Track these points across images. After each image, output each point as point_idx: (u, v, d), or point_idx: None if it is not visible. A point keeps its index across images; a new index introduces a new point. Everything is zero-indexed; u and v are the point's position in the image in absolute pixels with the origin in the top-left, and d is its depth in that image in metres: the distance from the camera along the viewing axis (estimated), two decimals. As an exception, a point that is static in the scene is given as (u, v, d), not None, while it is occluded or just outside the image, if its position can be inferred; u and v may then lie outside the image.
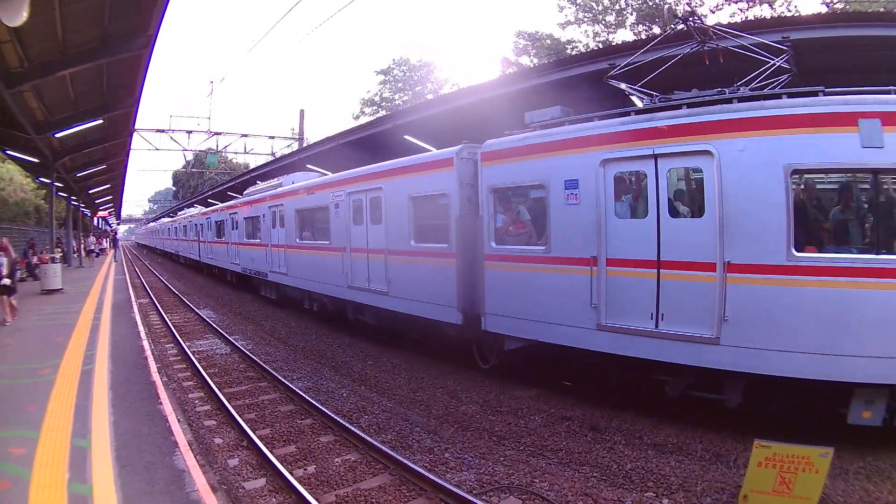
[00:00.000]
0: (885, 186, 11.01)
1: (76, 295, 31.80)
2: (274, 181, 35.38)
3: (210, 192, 79.93)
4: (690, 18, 15.08)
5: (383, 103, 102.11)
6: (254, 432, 13.12)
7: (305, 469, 11.65)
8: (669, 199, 12.90)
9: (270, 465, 11.39)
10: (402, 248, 19.88)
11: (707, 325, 11.98)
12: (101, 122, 30.90)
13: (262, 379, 18.53)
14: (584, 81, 21.16)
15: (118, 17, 19.59)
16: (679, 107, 13.09)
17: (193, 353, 21.38)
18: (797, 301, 11.05)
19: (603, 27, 70.84)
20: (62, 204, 56.87)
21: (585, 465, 11.79)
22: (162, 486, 9.04)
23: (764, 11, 58.52)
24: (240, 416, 14.24)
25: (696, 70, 15.76)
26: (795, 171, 11.23)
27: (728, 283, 11.69)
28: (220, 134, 55.00)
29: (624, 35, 68.26)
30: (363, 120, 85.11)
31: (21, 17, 14.66)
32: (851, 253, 10.97)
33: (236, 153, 63.73)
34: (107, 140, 37.27)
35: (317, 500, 9.99)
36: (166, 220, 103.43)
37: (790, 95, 11.75)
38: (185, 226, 66.86)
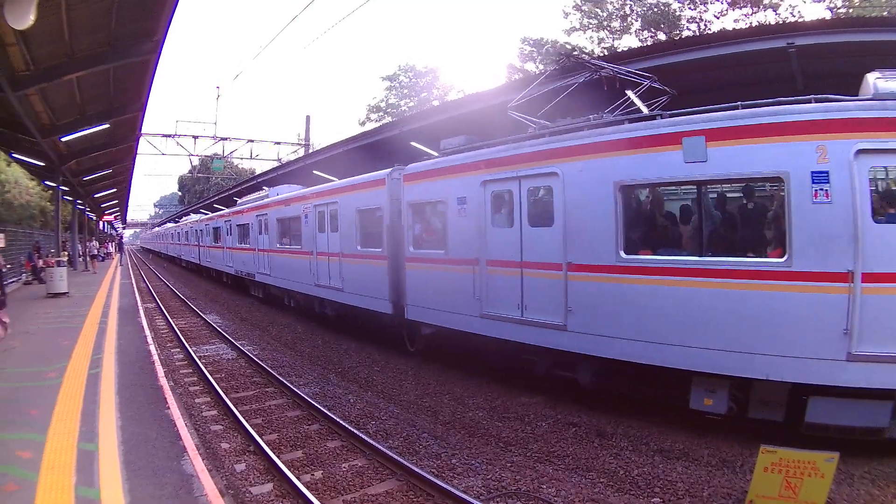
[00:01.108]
0: (706, 196, 13.16)
1: (82, 299, 31.79)
2: (262, 192, 40.36)
3: (215, 198, 79.97)
4: (575, 53, 18.67)
5: (389, 109, 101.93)
6: (261, 437, 13.13)
7: (313, 474, 11.64)
8: (529, 212, 15.97)
9: (277, 470, 11.39)
10: (352, 252, 24.33)
11: (558, 315, 14.86)
12: (107, 126, 30.94)
13: (268, 384, 18.54)
14: (588, 87, 21.24)
15: (125, 21, 19.62)
16: (542, 136, 16.05)
17: (200, 357, 21.44)
18: (627, 295, 13.52)
19: (608, 33, 70.81)
20: (68, 208, 56.87)
21: (592, 470, 11.80)
22: (170, 491, 9.01)
23: (768, 17, 58.52)
24: (246, 421, 14.24)
25: (595, 95, 17.19)
26: (623, 187, 13.59)
27: (570, 280, 14.60)
28: (226, 139, 55.18)
29: (629, 41, 68.33)
30: (369, 126, 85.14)
31: (28, 19, 14.70)
32: (678, 255, 13.00)
33: (242, 158, 63.85)
34: (113, 144, 37.31)
35: (324, 505, 10.00)
36: (170, 225, 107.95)
37: (631, 121, 14.12)
38: (186, 231, 71.83)
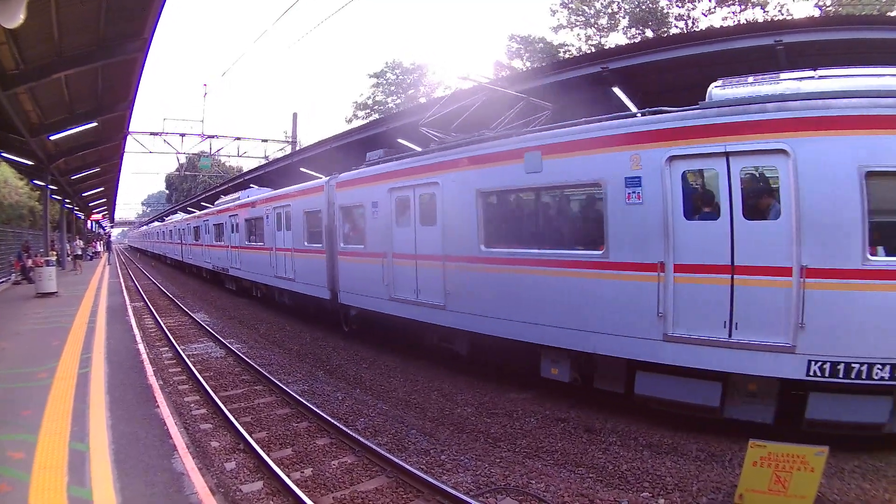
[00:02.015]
0: (543, 199, 16.34)
1: (71, 298, 31.79)
2: (235, 195, 44.30)
3: (202, 196, 79.87)
4: (469, 76, 21.04)
5: (376, 106, 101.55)
6: (250, 435, 13.14)
7: (302, 472, 11.68)
8: (420, 214, 19.35)
9: (267, 468, 11.42)
10: (300, 248, 28.50)
11: (439, 297, 18.28)
12: (95, 124, 30.94)
13: (257, 382, 18.55)
14: (580, 83, 21.27)
15: (114, 20, 19.62)
16: (430, 152, 19.51)
17: (189, 356, 21.42)
18: (488, 281, 16.69)
19: (595, 31, 70.80)
20: (56, 207, 56.72)
21: (581, 466, 11.85)
22: (161, 489, 9.06)
23: (756, 15, 58.61)
24: (236, 419, 14.26)
25: (500, 109, 19.82)
26: (482, 193, 16.96)
27: (447, 269, 18.04)
28: (213, 137, 54.89)
29: (616, 38, 68.34)
30: (356, 123, 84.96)
31: (18, 19, 14.69)
32: (524, 248, 15.84)
33: (229, 156, 63.62)
34: (101, 143, 37.25)
35: (314, 502, 10.01)
36: (156, 224, 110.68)
37: (494, 138, 17.13)
38: (170, 230, 76.41)
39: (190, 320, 31.51)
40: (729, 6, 59.83)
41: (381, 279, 21.06)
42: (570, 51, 72.14)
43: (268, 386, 17.97)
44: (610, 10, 68.36)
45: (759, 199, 12.13)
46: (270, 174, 50.06)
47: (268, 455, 12.01)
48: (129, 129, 38.24)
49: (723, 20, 59.46)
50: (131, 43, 21.23)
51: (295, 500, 10.14)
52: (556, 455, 12.43)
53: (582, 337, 14.14)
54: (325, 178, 26.59)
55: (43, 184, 41.62)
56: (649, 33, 62.47)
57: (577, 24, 71.61)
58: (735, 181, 12.01)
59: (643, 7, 64.12)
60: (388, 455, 11.86)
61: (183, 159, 70.06)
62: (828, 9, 54.43)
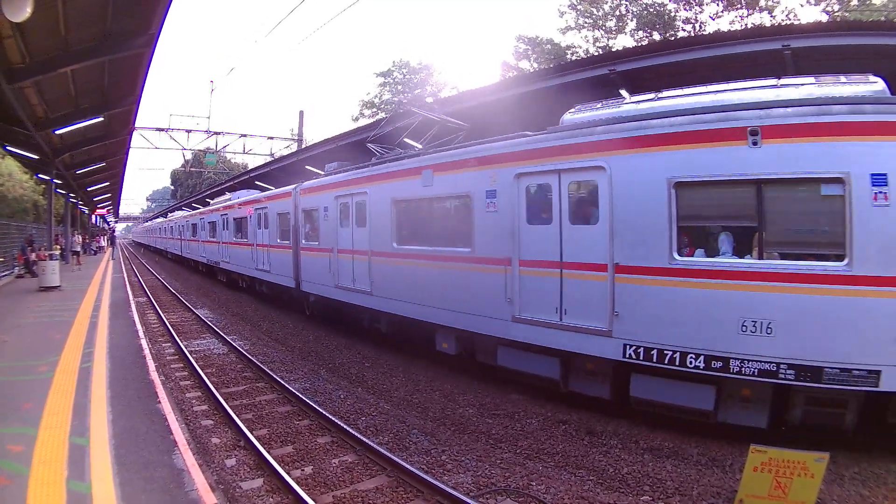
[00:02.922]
0: (435, 207, 19.63)
1: (74, 293, 31.85)
2: (227, 196, 49.77)
3: (207, 192, 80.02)
4: (406, 103, 25.66)
5: (383, 105, 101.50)
6: (251, 432, 13.17)
7: (303, 470, 11.69)
8: (356, 217, 23.66)
9: (268, 466, 11.44)
10: (274, 244, 33.21)
11: (368, 285, 22.49)
12: (101, 119, 30.90)
13: (259, 379, 18.59)
14: (585, 86, 21.26)
15: (121, 14, 19.56)
16: (363, 167, 23.97)
17: (191, 352, 21.47)
18: (399, 271, 20.81)
19: (603, 33, 70.65)
20: (61, 201, 56.75)
21: (582, 468, 11.87)
22: (161, 485, 9.05)
23: (763, 19, 58.51)
24: (237, 416, 14.29)
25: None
26: (395, 201, 20.92)
27: (372, 262, 22.27)
28: (219, 134, 54.95)
29: (624, 41, 68.19)
30: (362, 122, 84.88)
31: (25, 12, 14.70)
32: (421, 245, 19.79)
33: (235, 153, 63.66)
34: (106, 138, 37.24)
35: (314, 500, 10.01)
36: (159, 220, 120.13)
37: (406, 157, 21.52)
38: (171, 227, 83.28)
39: (193, 316, 31.62)
40: (737, 10, 59.72)
41: (329, 270, 25.87)
42: (577, 52, 72.08)
43: (270, 383, 18.00)
44: (618, 13, 68.26)
45: (583, 207, 14.54)
46: (276, 172, 50.27)
47: (268, 452, 12.01)
48: (136, 125, 38.20)
49: (730, 24, 59.36)
50: (138, 38, 21.18)
51: (295, 497, 10.13)
52: (557, 457, 12.44)
53: (462, 318, 17.75)
54: (293, 186, 31.29)
55: (48, 178, 41.64)
56: (657, 36, 62.38)
57: (585, 25, 71.55)
58: (564, 193, 14.76)
59: (651, 10, 64.03)
60: (388, 454, 11.87)
61: (189, 155, 69.84)
62: (836, 14, 54.29)
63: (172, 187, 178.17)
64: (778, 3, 58.81)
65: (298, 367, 20.30)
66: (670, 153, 12.83)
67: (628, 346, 13.29)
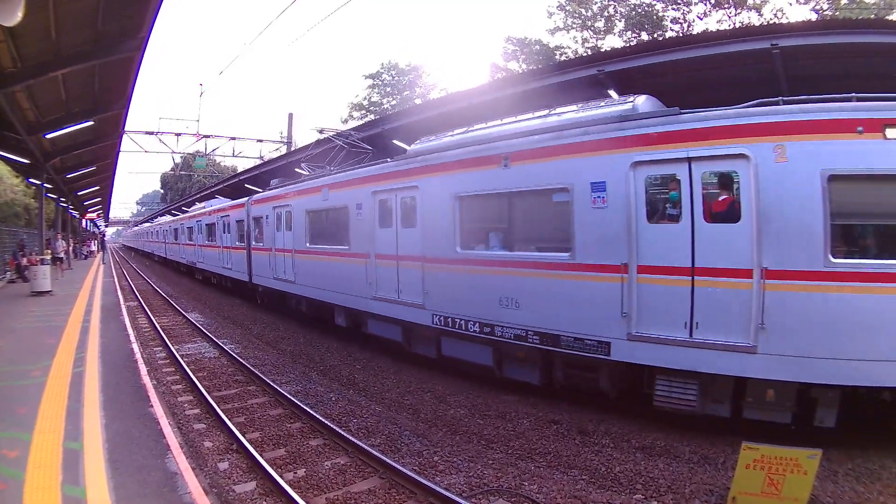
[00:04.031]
0: (330, 215, 25.66)
1: (65, 297, 31.84)
2: (202, 205, 57.62)
3: (198, 195, 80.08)
4: (323, 130, 30.88)
5: (371, 107, 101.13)
6: (243, 436, 13.19)
7: (295, 472, 11.73)
8: (286, 223, 29.73)
9: (261, 469, 11.47)
10: (234, 246, 39.53)
11: (292, 275, 28.62)
12: (91, 123, 30.78)
13: (250, 382, 18.63)
14: (574, 86, 21.28)
15: (111, 18, 19.51)
16: (288, 184, 31.00)
17: (182, 356, 21.51)
18: (310, 265, 26.94)
19: (592, 33, 70.58)
20: (51, 205, 56.61)
21: (574, 468, 11.93)
22: (154, 489, 9.08)
23: (752, 19, 58.54)
24: (229, 419, 14.32)
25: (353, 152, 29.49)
26: (307, 211, 27.03)
27: (296, 258, 28.33)
28: (208, 137, 54.72)
29: (613, 41, 68.12)
30: (351, 124, 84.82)
31: (16, 16, 14.65)
32: (328, 244, 25.28)
33: (224, 156, 63.53)
34: (97, 142, 37.08)
35: (307, 503, 10.05)
36: (146, 224, 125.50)
37: (315, 178, 27.55)
38: (156, 231, 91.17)
39: (184, 320, 31.72)
40: (725, 9, 59.73)
41: (269, 266, 31.97)
42: (566, 53, 72.00)
43: (261, 386, 18.04)
44: (606, 14, 68.24)
45: (409, 215, 19.77)
46: (266, 175, 50.31)
47: (261, 455, 12.05)
48: (125, 129, 38.16)
49: (718, 23, 59.35)
50: (128, 41, 21.12)
51: (288, 500, 10.18)
52: (549, 457, 12.49)
53: (347, 299, 23.49)
54: (246, 198, 38.08)
55: (38, 182, 41.50)
56: (645, 37, 62.38)
57: (574, 26, 71.48)
58: (398, 205, 20.33)
59: (639, 11, 64.05)
60: (381, 456, 11.91)
61: (178, 159, 69.85)
62: (825, 13, 54.32)
63: (162, 191, 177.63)
64: (766, 2, 58.84)
65: (289, 370, 20.38)
66: (456, 175, 17.78)
67: (434, 316, 18.33)
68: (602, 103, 15.48)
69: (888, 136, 10.75)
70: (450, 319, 17.68)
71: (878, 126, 10.81)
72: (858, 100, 11.35)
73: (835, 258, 11.09)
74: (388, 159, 21.43)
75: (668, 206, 13.19)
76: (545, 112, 16.69)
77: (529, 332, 15.26)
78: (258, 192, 38.09)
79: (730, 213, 12.17)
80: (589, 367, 14.50)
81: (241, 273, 37.73)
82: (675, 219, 12.79)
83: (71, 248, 60.65)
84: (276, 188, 32.35)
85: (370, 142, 29.56)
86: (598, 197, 13.84)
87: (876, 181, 11.10)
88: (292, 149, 54.56)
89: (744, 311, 11.80)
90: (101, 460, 9.91)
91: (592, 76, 20.69)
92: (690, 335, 12.33)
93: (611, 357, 13.53)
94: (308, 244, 27.15)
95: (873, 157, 10.92)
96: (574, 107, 16.10)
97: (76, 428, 11.44)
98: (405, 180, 19.66)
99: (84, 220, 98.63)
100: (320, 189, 25.68)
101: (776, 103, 12.07)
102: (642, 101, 14.43)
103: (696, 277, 12.36)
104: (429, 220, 18.60)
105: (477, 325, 16.74)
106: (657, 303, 12.91)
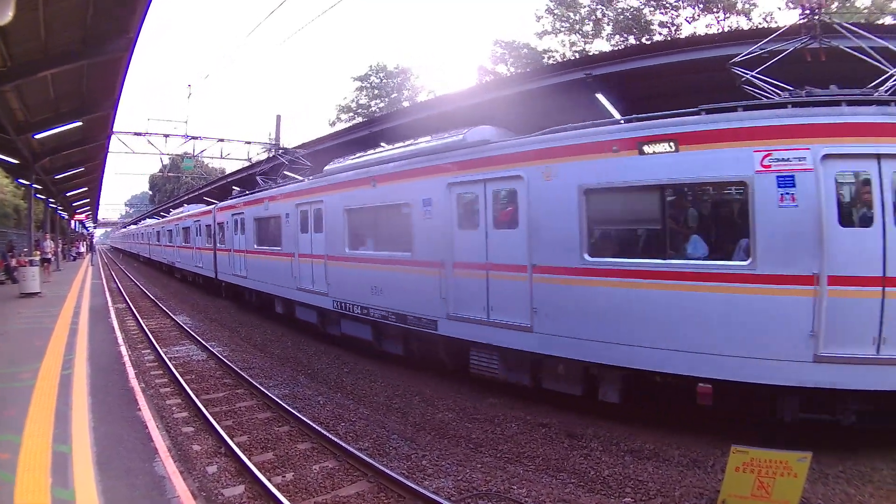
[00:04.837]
0: (270, 223, 30.52)
1: (54, 299, 31.78)
2: (181, 209, 63.16)
3: (185, 197, 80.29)
4: (272, 148, 42.97)
5: (359, 110, 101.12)
6: (231, 439, 13.19)
7: (284, 476, 11.71)
8: (239, 227, 34.70)
9: (249, 472, 11.45)
10: (203, 247, 44.73)
11: (244, 272, 33.94)
12: (80, 123, 30.74)
13: (238, 386, 18.63)
14: (562, 90, 21.31)
15: (100, 18, 19.45)
16: (242, 195, 36.58)
17: (170, 358, 21.51)
18: (252, 262, 32.69)
19: (580, 37, 70.67)
20: (40, 206, 56.51)
21: (563, 471, 11.93)
22: (143, 492, 9.10)
23: (740, 22, 58.67)
24: (217, 422, 14.31)
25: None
26: (254, 218, 32.19)
27: (246, 257, 33.54)
28: (196, 138, 54.39)
29: (601, 45, 68.11)
30: (339, 126, 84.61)
31: (7, 16, 14.61)
32: (266, 245, 30.66)
33: (213, 158, 63.48)
34: (85, 142, 37.02)
35: (296, 507, 10.05)
36: (132, 227, 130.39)
37: (259, 191, 32.97)
38: (141, 233, 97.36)
39: (171, 322, 31.68)
40: (714, 13, 59.84)
41: (229, 263, 37.16)
42: (554, 56, 72.07)
43: (249, 389, 18.02)
44: (594, 17, 68.27)
45: (318, 223, 24.63)
46: (254, 176, 50.44)
47: (249, 459, 12.04)
48: (114, 129, 38.06)
49: (707, 27, 59.45)
50: (117, 41, 21.06)
51: (276, 504, 10.06)
52: (538, 460, 12.50)
53: (281, 290, 28.72)
54: (214, 205, 44.51)
55: (28, 183, 41.41)
56: (633, 41, 62.44)
57: (562, 30, 71.56)
58: (312, 215, 25.10)
59: (627, 15, 64.12)
60: (369, 460, 11.91)
61: (166, 160, 69.68)
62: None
63: (151, 192, 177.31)
64: (755, 6, 58.96)
65: (277, 373, 20.36)
66: (345, 192, 22.61)
67: (335, 302, 23.17)
68: (445, 135, 18.85)
69: (644, 152, 12.95)
70: (344, 304, 22.51)
71: (633, 144, 13.11)
72: (627, 121, 14.18)
73: (590, 257, 13.91)
74: (311, 177, 27.50)
75: (471, 216, 16.88)
76: (409, 142, 21.27)
77: (390, 313, 19.80)
78: (225, 201, 43.29)
79: (512, 221, 15.61)
80: (429, 341, 18.66)
81: (209, 271, 43.16)
82: (476, 226, 16.59)
83: (59, 250, 60.42)
84: (235, 198, 38.38)
85: (345, 148, 32.22)
86: (427, 210, 18.10)
87: (621, 192, 13.67)
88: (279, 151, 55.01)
89: (524, 298, 15.11)
90: (89, 463, 9.90)
91: (580, 80, 20.70)
92: (488, 316, 16.04)
93: (438, 332, 17.61)
94: (255, 245, 32.40)
95: (629, 172, 13.25)
96: (427, 138, 20.03)
97: (65, 431, 11.41)
98: (315, 195, 25.03)
99: (73, 222, 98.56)
100: (263, 200, 31.21)
101: (553, 131, 15.13)
102: (474, 132, 17.83)
103: (490, 272, 16.08)
104: (330, 227, 23.71)
105: (359, 308, 21.49)
106: (465, 291, 16.77)
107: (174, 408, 16.20)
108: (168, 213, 77.47)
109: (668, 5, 61.72)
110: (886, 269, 10.91)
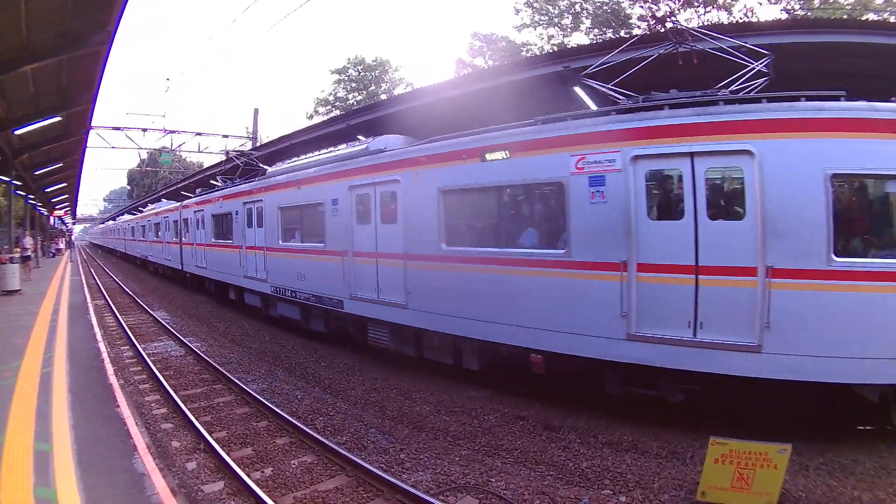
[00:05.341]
0: (224, 220, 33.94)
1: (33, 296, 31.80)
2: (154, 206, 66.14)
3: (162, 192, 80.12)
4: (229, 152, 41.85)
5: (337, 103, 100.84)
6: (210, 435, 13.17)
7: (263, 471, 11.72)
8: (201, 224, 37.71)
9: (228, 469, 11.44)
10: (171, 241, 47.66)
11: (204, 263, 36.96)
12: (59, 119, 30.61)
13: (216, 381, 18.60)
14: (540, 82, 21.35)
15: (80, 12, 19.40)
16: (201, 196, 39.87)
17: (149, 354, 21.39)
18: (211, 255, 35.89)
19: (559, 30, 70.55)
20: (20, 202, 56.22)
21: (541, 464, 11.97)
22: (123, 490, 9.13)
23: (721, 17, 58.71)
24: (196, 418, 14.27)
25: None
26: (212, 215, 35.56)
27: (206, 250, 36.96)
28: (174, 132, 54.24)
29: (579, 38, 68.03)
30: (317, 119, 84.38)
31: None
32: (218, 240, 34.45)
33: (191, 152, 63.36)
34: (64, 137, 36.84)
35: (275, 502, 10.09)
36: (110, 223, 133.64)
37: (216, 190, 36.22)
38: (118, 229, 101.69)
39: (150, 318, 31.57)
40: (694, 7, 59.80)
41: (192, 256, 40.07)
42: (532, 50, 72.01)
43: (227, 385, 18.02)
44: (573, 11, 68.16)
45: (259, 219, 27.86)
46: (229, 171, 50.54)
47: (228, 455, 12.03)
48: (92, 124, 37.89)
49: (686, 21, 59.33)
50: (96, 35, 20.99)
51: (256, 500, 10.19)
52: (516, 453, 12.54)
53: (233, 278, 31.78)
54: (181, 203, 46.70)
55: (7, 179, 41.21)
56: (611, 34, 62.33)
57: (541, 23, 71.47)
58: (255, 212, 28.43)
59: (605, 9, 64.02)
60: (347, 454, 11.93)
61: (144, 155, 69.62)
62: (796, 13, 54.45)
63: (129, 187, 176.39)
64: (736, 0, 59.03)
65: (255, 368, 20.36)
66: (279, 192, 25.96)
67: (272, 287, 26.43)
68: (356, 144, 22.77)
69: (486, 160, 15.56)
70: (279, 289, 25.74)
71: (478, 153, 15.75)
72: (494, 130, 16.01)
73: (446, 246, 16.77)
74: (257, 178, 30.42)
75: (366, 213, 19.94)
76: (330, 149, 24.91)
77: (312, 296, 22.92)
78: (189, 199, 45.78)
79: (393, 217, 18.61)
80: (341, 319, 21.75)
81: (177, 263, 46.07)
82: (369, 222, 19.73)
83: (39, 246, 60.16)
84: (198, 196, 41.47)
85: (322, 141, 33.59)
86: (335, 208, 21.38)
87: (469, 193, 16.67)
88: (257, 144, 54.87)
89: (401, 281, 18.12)
90: (70, 462, 9.91)
91: (558, 72, 20.72)
92: (378, 296, 19.15)
93: (344, 310, 20.86)
94: (213, 239, 35.34)
95: (475, 176, 15.98)
96: (343, 146, 23.73)
97: (45, 429, 11.42)
98: (258, 195, 28.19)
99: (52, 218, 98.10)
100: (219, 199, 34.23)
101: (430, 141, 18.16)
102: (377, 141, 20.82)
103: (378, 259, 19.23)
104: (268, 222, 26.90)
105: (290, 292, 24.70)
106: (362, 276, 19.94)
107: (153, 404, 16.13)
108: (143, 209, 78.97)
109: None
110: (699, 259, 11.95)
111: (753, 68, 13.88)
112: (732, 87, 13.57)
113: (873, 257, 11.12)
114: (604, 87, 15.15)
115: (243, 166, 36.06)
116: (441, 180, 16.92)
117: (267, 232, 27.09)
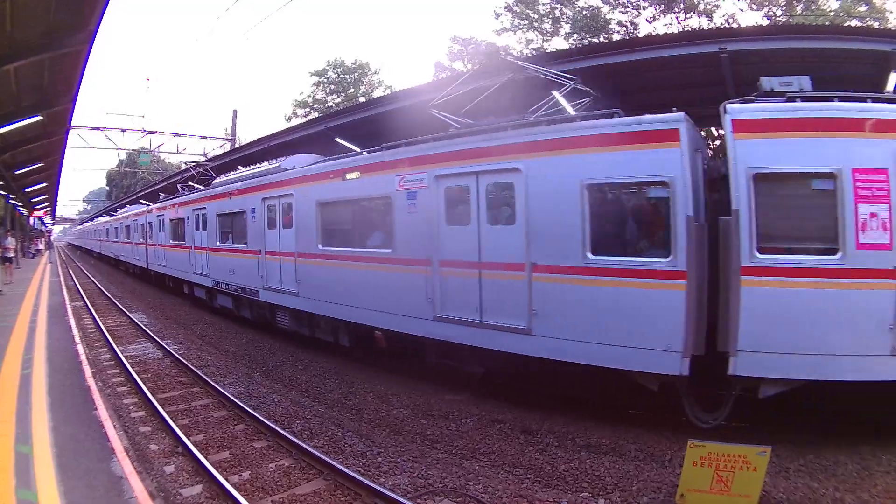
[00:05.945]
0: (180, 225, 37.63)
1: (13, 297, 31.85)
2: (128, 208, 69.21)
3: (142, 193, 79.91)
4: (186, 163, 49.89)
5: (316, 105, 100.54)
6: (188, 438, 13.15)
7: (241, 475, 11.71)
8: (164, 225, 40.93)
9: (206, 472, 11.42)
10: (139, 242, 49.99)
11: (164, 262, 41.12)
12: (40, 118, 30.48)
13: (194, 384, 18.56)
14: (521, 86, 21.42)
15: (61, 10, 19.36)
16: (183, 196, 38.06)
17: (126, 357, 21.29)
18: (167, 253, 40.96)
19: (539, 34, 70.43)
20: (0, 202, 56.01)
21: (519, 467, 12.01)
22: (101, 493, 9.16)
23: (702, 23, 58.72)
24: (174, 421, 14.24)
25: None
26: (170, 219, 39.77)
27: (166, 251, 41.14)
28: (153, 133, 54.13)
29: (559, 43, 67.88)
30: (295, 121, 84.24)
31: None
32: (174, 241, 39.23)
33: (170, 153, 63.11)
34: (45, 137, 36.46)
35: (253, 506, 10.10)
36: (88, 224, 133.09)
37: (175, 197, 40.50)
38: (94, 230, 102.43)
39: (128, 321, 31.43)
40: (675, 13, 59.80)
41: (156, 255, 43.41)
42: (511, 54, 71.87)
43: (205, 388, 17.98)
44: (553, 15, 68.08)
45: (204, 224, 31.33)
46: (210, 171, 50.46)
47: (206, 458, 12.01)
48: (72, 124, 37.72)
49: (666, 26, 59.39)
50: (77, 34, 20.90)
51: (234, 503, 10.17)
52: (494, 456, 12.58)
53: (186, 275, 35.11)
54: (152, 205, 47.91)
55: (-11, 180, 41.13)
56: (591, 40, 62.29)
57: (521, 27, 71.39)
58: (202, 218, 31.54)
59: (585, 14, 63.97)
60: (325, 458, 11.94)
61: (123, 155, 69.59)
62: (778, 19, 54.53)
63: (108, 188, 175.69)
64: (717, 7, 59.05)
65: (233, 371, 20.34)
66: (217, 202, 29.92)
67: (212, 281, 30.17)
68: (275, 161, 26.50)
69: (346, 179, 19.53)
70: (218, 283, 29.83)
71: (341, 174, 19.81)
72: (370, 151, 19.62)
73: (322, 246, 20.75)
74: (204, 189, 34.66)
75: (273, 221, 23.92)
76: (256, 165, 29.04)
77: (237, 288, 27.27)
78: (154, 204, 49.17)
79: (289, 223, 22.63)
80: (260, 307, 25.72)
81: (143, 262, 49.18)
82: (275, 227, 23.72)
83: (19, 247, 59.94)
84: (160, 202, 44.90)
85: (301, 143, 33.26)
86: (254, 216, 25.41)
87: (336, 205, 20.57)
88: (236, 145, 54.82)
89: (293, 274, 22.26)
90: (50, 465, 9.95)
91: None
92: (281, 286, 23.01)
93: (260, 299, 24.88)
94: (171, 241, 39.10)
95: (340, 191, 19.97)
96: (266, 163, 27.74)
97: (25, 432, 11.46)
98: (202, 203, 32.02)
99: (31, 218, 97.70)
100: (175, 206, 37.80)
101: (330, 159, 22.23)
102: (289, 160, 24.91)
103: (281, 257, 23.17)
104: (210, 227, 30.72)
105: (225, 285, 28.80)
106: (271, 270, 23.76)
107: (131, 407, 16.11)
108: (116, 212, 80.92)
109: (628, 4, 61.68)
110: (481, 257, 14.92)
111: (565, 89, 16.71)
112: (545, 109, 16.36)
113: (627, 255, 12.81)
114: (446, 116, 17.71)
115: (198, 176, 40.24)
116: (318, 195, 21.01)
117: (209, 235, 31.27)
